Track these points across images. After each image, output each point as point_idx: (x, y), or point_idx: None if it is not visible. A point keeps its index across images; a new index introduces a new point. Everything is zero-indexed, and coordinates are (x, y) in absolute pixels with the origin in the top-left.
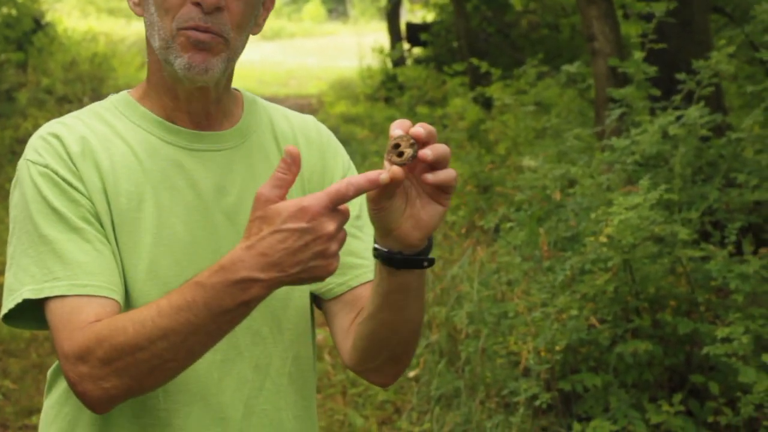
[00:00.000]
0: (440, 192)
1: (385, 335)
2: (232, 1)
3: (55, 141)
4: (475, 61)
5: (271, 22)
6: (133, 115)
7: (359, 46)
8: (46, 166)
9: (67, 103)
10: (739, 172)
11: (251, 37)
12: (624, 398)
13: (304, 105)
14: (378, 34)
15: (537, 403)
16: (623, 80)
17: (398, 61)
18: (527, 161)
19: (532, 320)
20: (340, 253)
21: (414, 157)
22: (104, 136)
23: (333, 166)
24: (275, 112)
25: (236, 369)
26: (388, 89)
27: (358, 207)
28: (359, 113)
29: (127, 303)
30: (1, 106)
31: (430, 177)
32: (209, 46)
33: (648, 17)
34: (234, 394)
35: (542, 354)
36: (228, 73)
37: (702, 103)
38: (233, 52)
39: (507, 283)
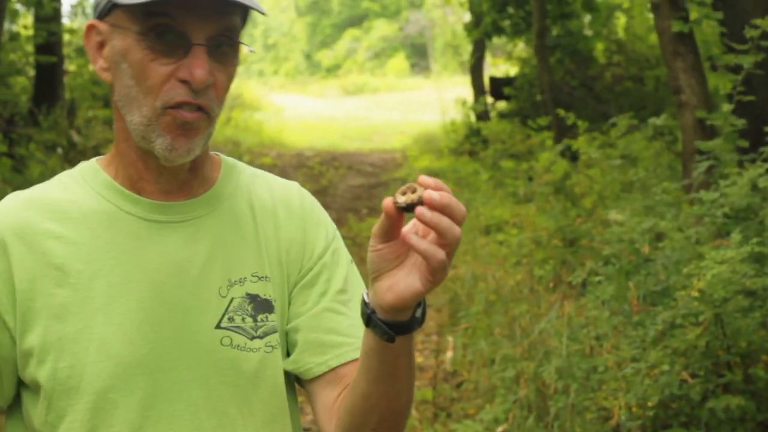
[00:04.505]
0: (426, 269)
1: (363, 408)
2: (218, 74)
3: None
4: (561, 112)
5: (355, 78)
6: (94, 182)
7: (442, 100)
8: None
9: None
10: None
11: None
12: None
13: (388, 159)
14: (459, 89)
15: None
16: (711, 133)
17: (482, 115)
18: (614, 215)
19: (623, 375)
20: (320, 331)
21: (416, 202)
22: (54, 216)
23: (314, 237)
24: (257, 179)
25: None
26: (472, 143)
27: (343, 281)
28: (443, 167)
29: (82, 385)
30: None
31: (414, 239)
32: (195, 126)
33: (736, 69)
34: None
35: (633, 410)
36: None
37: None
38: (213, 127)
39: (596, 337)
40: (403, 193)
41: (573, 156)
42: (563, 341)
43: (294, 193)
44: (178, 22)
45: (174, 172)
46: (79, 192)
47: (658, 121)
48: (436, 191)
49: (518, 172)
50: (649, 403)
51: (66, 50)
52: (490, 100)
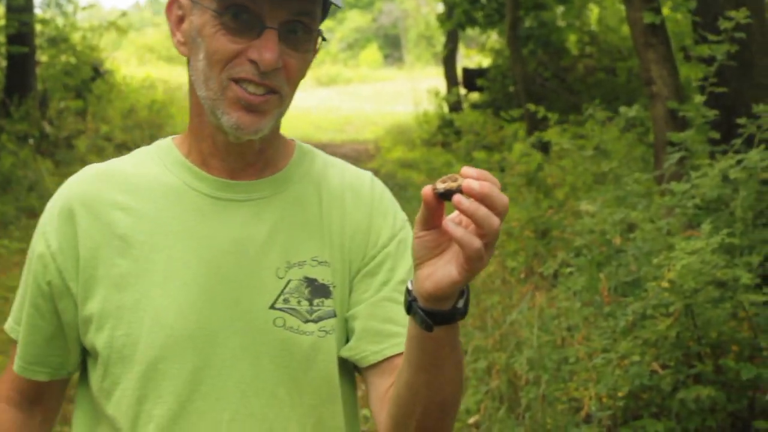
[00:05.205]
0: (463, 257)
1: (406, 398)
2: (289, 59)
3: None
4: (531, 106)
5: (328, 68)
6: (167, 158)
7: (415, 91)
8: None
9: (125, 149)
10: None
11: (307, 83)
12: None
13: (361, 150)
14: (433, 80)
15: None
16: (682, 124)
17: (454, 106)
18: (586, 206)
19: (593, 366)
20: (378, 320)
21: (455, 190)
22: (123, 188)
23: (380, 226)
24: (331, 167)
25: (246, 431)
26: (445, 134)
27: (406, 272)
28: (416, 158)
29: (136, 354)
30: (60, 153)
31: (451, 226)
32: (262, 109)
33: (708, 60)
34: None
35: (604, 400)
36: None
37: (762, 147)
38: (285, 106)
39: (567, 328)
40: (444, 182)
41: (544, 147)
42: (534, 332)
43: (365, 181)
44: (255, 4)
45: (242, 152)
46: (151, 167)
47: (629, 111)
48: (476, 181)
49: (491, 163)
50: (620, 394)
51: (38, 41)
52: (462, 91)
